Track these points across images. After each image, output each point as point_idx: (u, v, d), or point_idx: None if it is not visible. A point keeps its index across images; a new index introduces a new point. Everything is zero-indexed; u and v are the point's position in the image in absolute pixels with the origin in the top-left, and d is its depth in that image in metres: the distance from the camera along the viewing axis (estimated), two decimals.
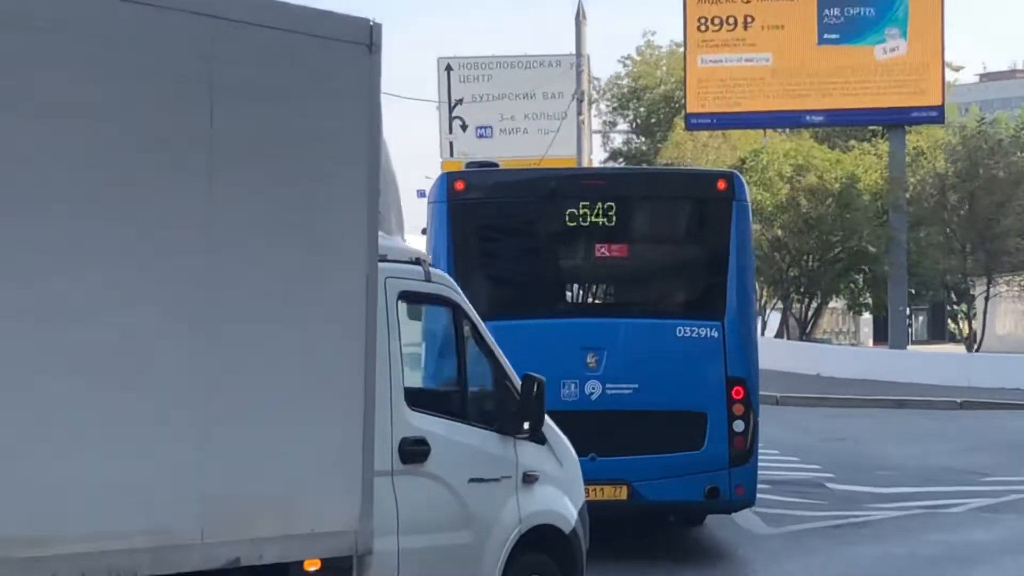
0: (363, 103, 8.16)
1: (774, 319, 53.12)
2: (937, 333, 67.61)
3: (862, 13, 44.64)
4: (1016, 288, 46.36)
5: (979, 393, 35.22)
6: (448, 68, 54.22)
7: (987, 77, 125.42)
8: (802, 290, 48.57)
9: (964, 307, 46.74)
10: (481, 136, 54.29)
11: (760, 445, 14.20)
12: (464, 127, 54.07)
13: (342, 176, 8.10)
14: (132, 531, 7.12)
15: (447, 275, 10.08)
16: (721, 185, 13.98)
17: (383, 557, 8.53)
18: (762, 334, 52.08)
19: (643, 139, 62.88)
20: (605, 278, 14.74)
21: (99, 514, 7.01)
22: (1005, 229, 42.60)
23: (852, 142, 54.08)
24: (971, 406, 33.67)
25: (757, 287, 50.68)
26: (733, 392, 13.57)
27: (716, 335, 13.61)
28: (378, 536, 8.27)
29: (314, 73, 7.96)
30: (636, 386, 13.64)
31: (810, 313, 50.30)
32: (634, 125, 63.34)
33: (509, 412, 9.91)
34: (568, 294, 14.83)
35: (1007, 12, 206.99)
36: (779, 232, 46.15)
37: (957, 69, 57.30)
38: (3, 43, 6.62)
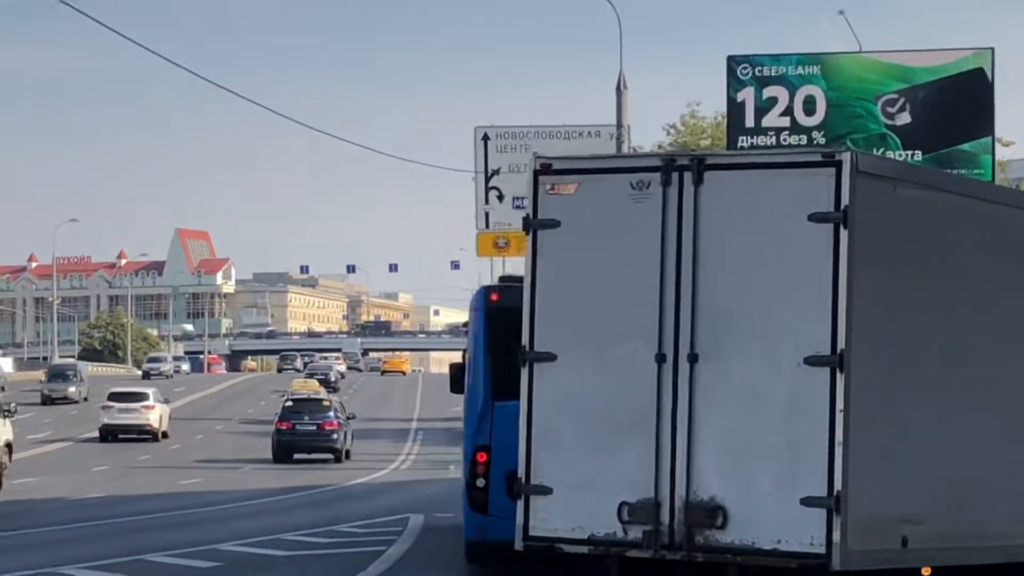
0: None
1: None
2: None
3: None
4: None
5: None
6: (485, 137, 53.38)
7: None
8: None
9: None
10: (518, 207, 53.19)
11: None
12: (500, 197, 53.14)
13: None
14: None
15: None
16: None
17: None
18: None
19: None
20: None
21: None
22: None
23: None
24: None
25: None
26: None
27: None
28: None
29: None
30: None
31: None
32: None
33: None
34: None
35: None
36: None
37: (1007, 145, 55.99)
38: None
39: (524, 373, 12.17)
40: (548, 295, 12.11)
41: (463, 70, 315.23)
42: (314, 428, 49.18)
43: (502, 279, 21.04)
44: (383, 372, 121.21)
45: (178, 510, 30.58)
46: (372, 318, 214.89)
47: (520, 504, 12.02)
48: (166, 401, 61.42)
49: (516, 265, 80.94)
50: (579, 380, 11.94)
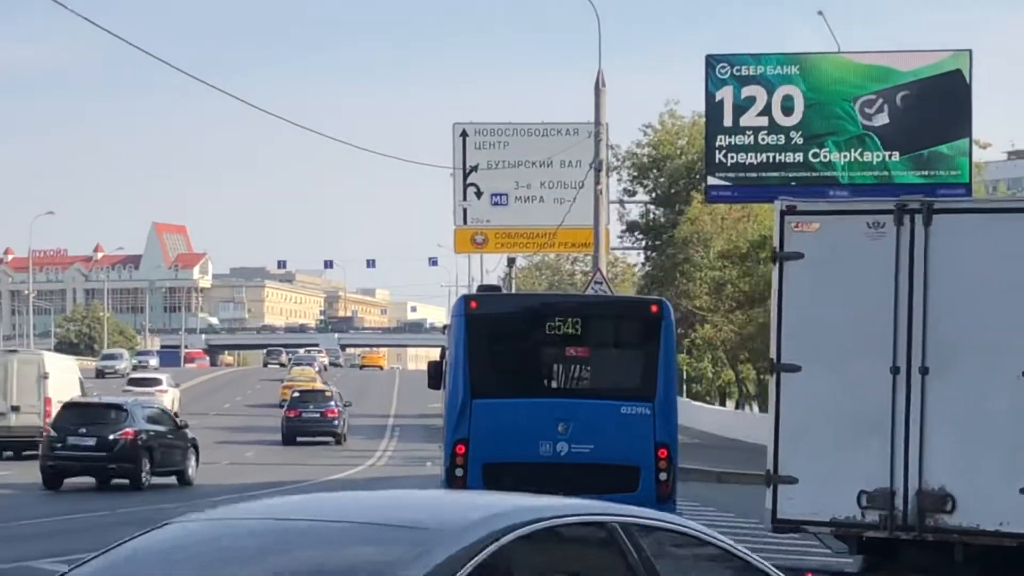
0: None
1: None
2: None
3: None
4: None
5: None
6: (463, 134, 53.43)
7: (1016, 155, 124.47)
8: None
9: None
10: (496, 204, 53.40)
11: None
12: (479, 194, 53.21)
13: None
14: None
15: None
16: (654, 308, 19.45)
17: None
18: None
19: (662, 210, 61.98)
20: (573, 371, 19.78)
21: None
22: None
23: None
24: None
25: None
26: (659, 452, 18.80)
27: (648, 412, 18.76)
28: None
29: None
30: (592, 447, 18.70)
31: None
32: (654, 195, 62.45)
33: None
34: (547, 381, 19.79)
35: None
36: None
37: (984, 147, 56.16)
38: None
39: (772, 382, 14.20)
40: (792, 315, 14.14)
41: (442, 66, 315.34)
42: (318, 415, 56.02)
43: (481, 288, 22.77)
44: (361, 367, 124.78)
45: (151, 505, 30.52)
46: (349, 314, 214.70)
47: (769, 492, 14.06)
48: (177, 385, 70.29)
49: (493, 261, 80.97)
50: (821, 388, 13.98)
